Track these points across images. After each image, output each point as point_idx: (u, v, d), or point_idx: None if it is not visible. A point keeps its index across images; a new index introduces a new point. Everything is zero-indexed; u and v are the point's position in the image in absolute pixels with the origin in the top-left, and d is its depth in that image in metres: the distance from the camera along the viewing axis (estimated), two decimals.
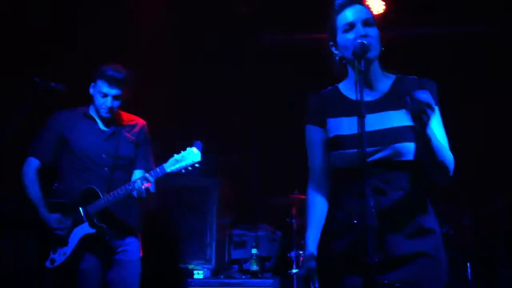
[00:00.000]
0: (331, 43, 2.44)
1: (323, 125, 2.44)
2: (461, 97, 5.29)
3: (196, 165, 3.41)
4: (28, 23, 4.78)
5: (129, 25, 5.28)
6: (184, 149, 3.42)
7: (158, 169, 3.46)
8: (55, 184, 3.73)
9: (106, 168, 3.65)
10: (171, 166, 3.43)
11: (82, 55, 4.81)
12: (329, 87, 2.53)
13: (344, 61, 2.42)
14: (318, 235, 2.40)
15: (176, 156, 3.42)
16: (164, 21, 5.39)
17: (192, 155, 3.40)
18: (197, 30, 5.57)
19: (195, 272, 5.11)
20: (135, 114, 3.90)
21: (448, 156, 2.26)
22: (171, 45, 5.58)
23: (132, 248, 3.71)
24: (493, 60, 5.50)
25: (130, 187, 3.46)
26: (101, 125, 3.75)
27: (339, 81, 2.52)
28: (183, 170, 3.42)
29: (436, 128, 2.32)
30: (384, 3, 5.27)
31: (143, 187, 3.44)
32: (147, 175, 3.47)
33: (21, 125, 3.35)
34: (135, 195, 3.52)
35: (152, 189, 3.53)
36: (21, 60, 4.63)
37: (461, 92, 5.32)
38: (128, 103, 3.77)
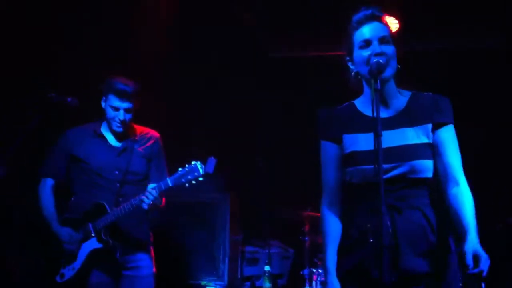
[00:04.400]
0: (348, 58, 2.44)
1: (338, 141, 2.45)
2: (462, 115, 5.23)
3: (200, 178, 3.39)
4: (27, 26, 4.80)
5: (134, 36, 5.27)
6: (190, 163, 3.40)
7: (162, 184, 3.45)
8: (71, 200, 3.74)
9: (117, 184, 3.66)
10: (175, 180, 3.41)
11: (81, 64, 4.81)
12: (345, 104, 2.53)
13: (359, 77, 2.42)
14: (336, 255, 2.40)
15: (180, 170, 3.41)
16: (171, 32, 5.39)
17: (195, 169, 3.38)
18: (204, 43, 5.57)
19: None
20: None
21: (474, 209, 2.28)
22: (183, 60, 5.60)
23: (144, 264, 3.69)
24: (499, 73, 5.44)
25: (136, 202, 3.46)
26: (112, 142, 3.75)
27: (354, 96, 2.52)
28: (186, 184, 3.41)
29: (451, 147, 2.33)
30: (397, 21, 5.25)
31: (148, 201, 3.42)
32: (151, 190, 3.46)
33: (33, 137, 3.36)
34: (145, 208, 3.49)
35: (157, 202, 3.49)
36: (19, 65, 4.65)
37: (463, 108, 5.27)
38: (141, 118, 3.78)
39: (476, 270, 2.07)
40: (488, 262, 2.08)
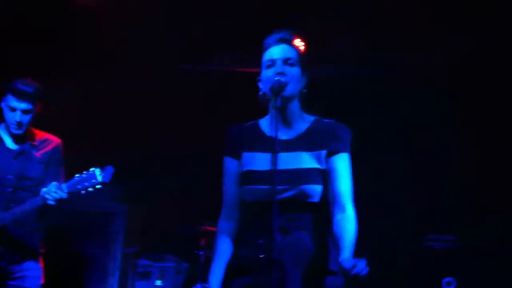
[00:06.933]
0: (258, 78, 2.49)
1: (238, 158, 2.48)
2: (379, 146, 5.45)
3: (98, 186, 3.31)
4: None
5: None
6: (88, 170, 3.31)
7: None
8: None
9: (10, 189, 3.50)
10: (70, 186, 3.31)
11: None
12: (252, 121, 2.57)
13: (266, 96, 2.46)
14: (223, 271, 2.43)
15: (77, 176, 3.33)
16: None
17: (94, 176, 3.30)
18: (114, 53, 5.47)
19: None
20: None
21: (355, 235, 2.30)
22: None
23: (31, 274, 3.54)
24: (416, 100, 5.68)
25: (26, 206, 3.34)
26: (9, 144, 3.60)
27: (263, 113, 2.56)
28: (83, 191, 3.32)
29: (343, 174, 2.39)
30: (303, 43, 5.38)
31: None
32: (45, 195, 3.33)
33: None
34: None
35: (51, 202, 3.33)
36: None
37: (378, 140, 5.49)
38: (41, 122, 3.65)
39: (356, 270, 2.08)
40: (364, 262, 2.10)
